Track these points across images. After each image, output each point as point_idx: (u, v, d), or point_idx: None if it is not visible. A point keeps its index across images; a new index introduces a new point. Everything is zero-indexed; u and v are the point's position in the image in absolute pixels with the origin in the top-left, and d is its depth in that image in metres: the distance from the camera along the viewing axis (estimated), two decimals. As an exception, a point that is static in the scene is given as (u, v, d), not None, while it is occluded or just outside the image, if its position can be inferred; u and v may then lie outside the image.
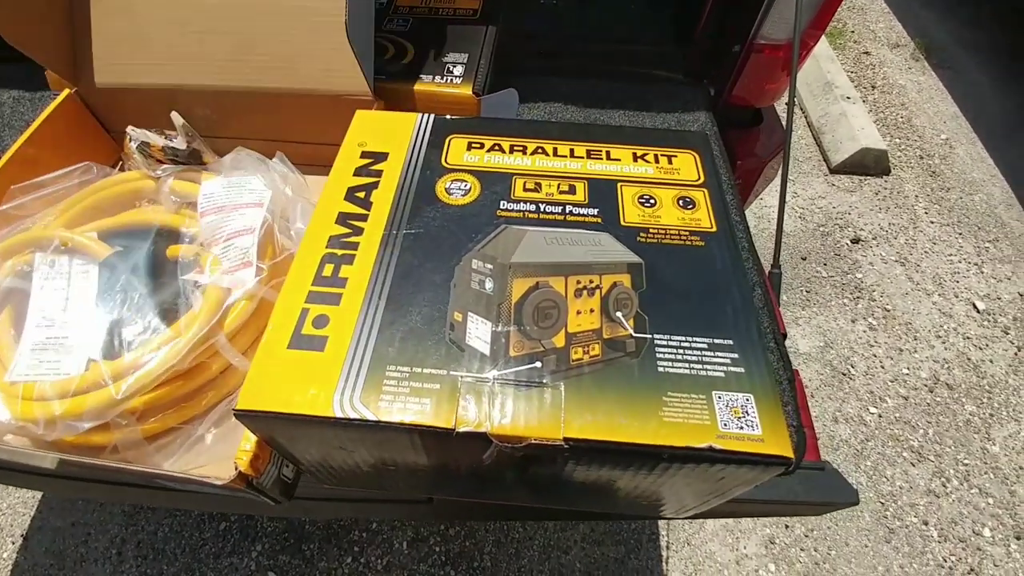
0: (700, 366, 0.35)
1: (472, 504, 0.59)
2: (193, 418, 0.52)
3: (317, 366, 0.34)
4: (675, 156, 0.48)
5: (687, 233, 0.42)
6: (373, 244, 0.40)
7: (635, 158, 0.47)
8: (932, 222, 1.98)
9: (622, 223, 0.42)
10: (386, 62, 0.73)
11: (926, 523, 1.44)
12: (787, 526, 1.44)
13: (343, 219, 0.42)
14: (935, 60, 2.50)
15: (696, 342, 0.36)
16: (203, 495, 0.68)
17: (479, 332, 0.35)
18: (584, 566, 1.38)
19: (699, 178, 0.46)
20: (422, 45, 0.74)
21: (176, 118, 0.59)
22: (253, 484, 0.41)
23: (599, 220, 0.42)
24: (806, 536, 1.43)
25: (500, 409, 0.32)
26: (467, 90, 0.68)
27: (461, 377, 0.33)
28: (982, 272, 1.86)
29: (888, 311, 1.78)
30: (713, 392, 0.33)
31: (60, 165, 0.65)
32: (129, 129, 0.59)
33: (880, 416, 1.59)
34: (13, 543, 1.42)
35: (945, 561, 1.38)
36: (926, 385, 1.65)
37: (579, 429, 0.31)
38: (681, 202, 0.44)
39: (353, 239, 0.41)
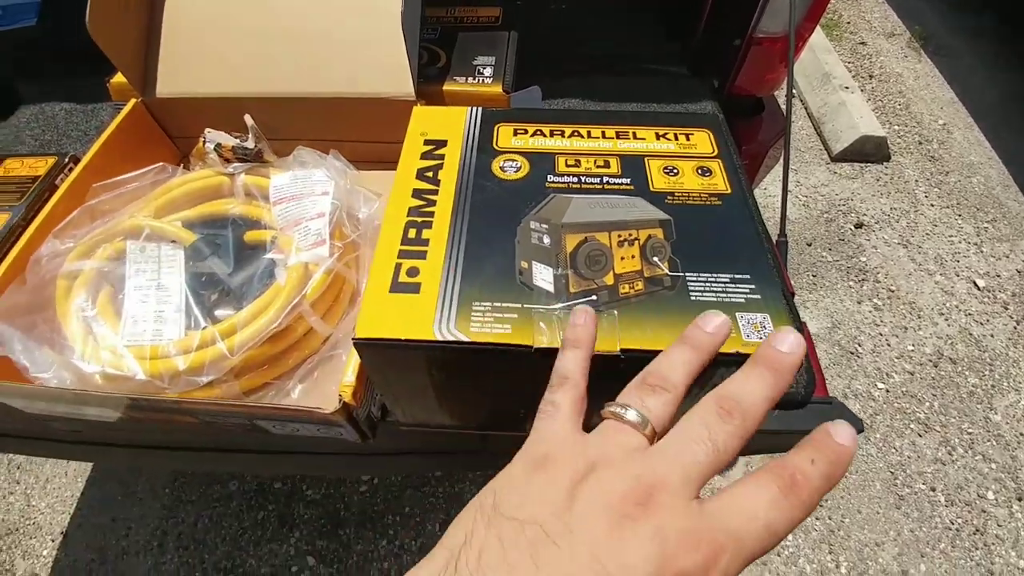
0: (724, 295, 0.44)
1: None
2: (281, 376, 0.62)
3: (415, 305, 0.43)
4: (692, 134, 0.57)
5: (706, 195, 0.51)
6: (446, 212, 0.50)
7: (657, 136, 0.57)
8: (932, 205, 2.07)
9: (651, 189, 0.52)
10: (422, 67, 0.82)
11: (934, 489, 1.53)
12: (802, 498, 1.52)
13: (417, 194, 0.51)
14: (930, 48, 2.60)
15: (720, 277, 0.45)
16: (280, 457, 0.77)
17: (543, 275, 0.45)
18: (608, 542, 1.46)
19: (713, 151, 0.56)
20: (452, 51, 0.83)
21: (248, 120, 0.68)
22: (352, 415, 0.50)
23: (632, 187, 0.52)
24: (820, 506, 1.51)
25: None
26: (497, 88, 0.78)
27: (533, 308, 0.43)
28: (981, 251, 1.95)
29: (892, 291, 1.87)
30: (736, 313, 0.43)
31: (128, 166, 0.74)
32: (207, 131, 0.69)
33: (888, 391, 1.68)
34: (53, 541, 1.50)
35: (952, 524, 1.47)
36: (930, 360, 1.74)
37: (632, 342, 0.41)
38: (700, 171, 0.53)
39: (428, 209, 0.50)
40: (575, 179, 0.53)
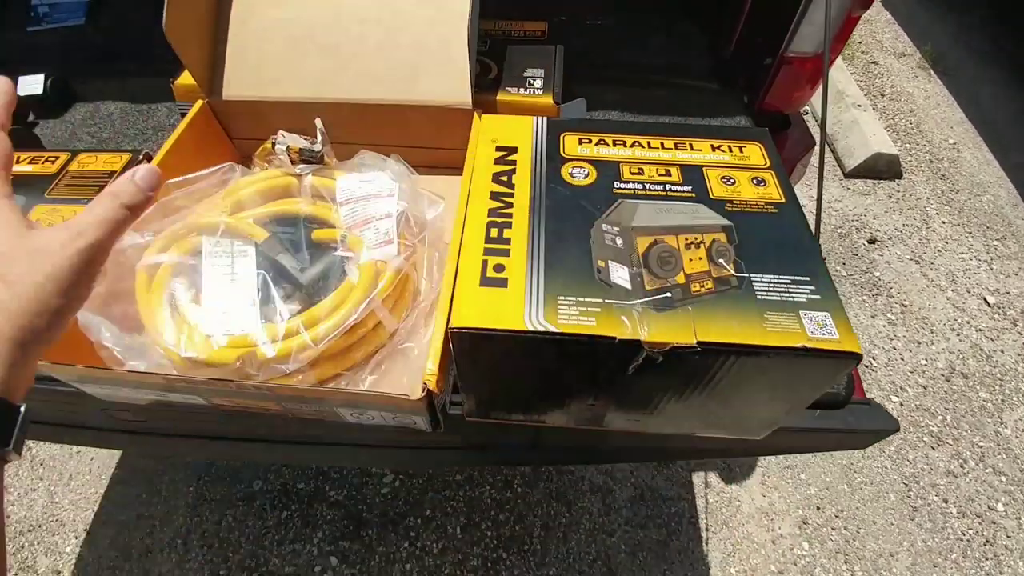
0: (787, 294, 0.48)
1: (573, 447, 0.72)
2: (351, 367, 0.65)
3: (505, 298, 0.47)
4: (744, 147, 0.62)
5: (763, 203, 0.56)
6: (523, 213, 0.54)
7: (713, 148, 0.61)
8: (943, 222, 2.13)
9: (711, 197, 0.56)
10: (476, 78, 0.87)
11: (946, 501, 1.56)
12: (818, 507, 1.56)
13: (495, 196, 0.56)
14: (940, 68, 2.67)
15: (781, 279, 0.49)
16: (350, 449, 0.80)
17: (619, 273, 0.49)
18: (629, 547, 1.49)
19: (766, 163, 0.60)
20: (503, 63, 0.88)
21: (319, 124, 0.72)
22: (433, 403, 0.54)
23: (693, 195, 0.56)
24: (836, 516, 1.55)
25: (647, 325, 0.45)
26: (548, 99, 0.82)
27: (615, 304, 0.47)
28: (991, 268, 2.00)
29: (905, 306, 1.91)
30: (799, 311, 0.47)
31: (195, 164, 0.78)
32: (280, 133, 0.73)
33: (901, 404, 1.72)
34: (76, 537, 1.52)
35: (963, 535, 1.51)
36: (943, 375, 1.78)
37: (707, 335, 0.45)
38: (755, 181, 0.58)
39: (506, 210, 0.54)
40: (640, 186, 0.57)
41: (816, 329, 0.46)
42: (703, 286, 0.49)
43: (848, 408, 0.67)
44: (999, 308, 1.91)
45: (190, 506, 1.55)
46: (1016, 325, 1.86)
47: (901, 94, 2.59)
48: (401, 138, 0.83)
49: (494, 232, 0.52)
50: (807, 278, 0.49)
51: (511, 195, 0.56)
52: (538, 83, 0.84)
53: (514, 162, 0.59)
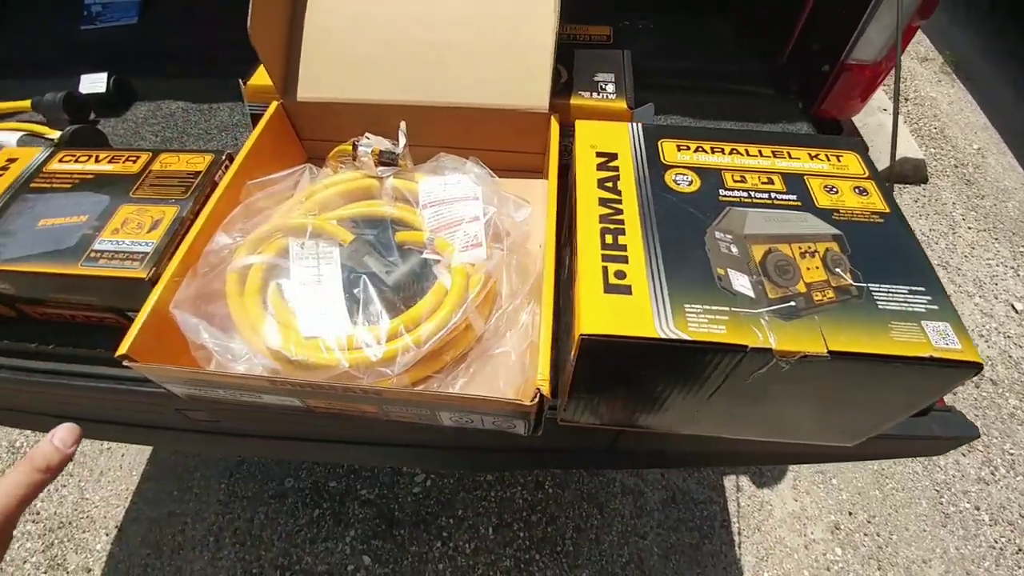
0: (907, 304, 0.49)
1: (652, 451, 0.73)
2: (440, 370, 0.66)
3: (631, 305, 0.48)
4: (841, 156, 0.63)
5: (868, 213, 0.57)
6: (634, 220, 0.55)
7: (810, 157, 0.62)
8: (969, 228, 2.14)
9: (816, 206, 0.57)
10: (548, 81, 0.88)
11: (978, 508, 1.58)
12: (850, 513, 1.58)
13: (604, 203, 0.57)
14: (963, 73, 2.69)
15: (899, 289, 0.50)
16: (445, 452, 0.81)
17: (740, 282, 0.50)
18: (661, 550, 1.50)
19: (865, 173, 0.61)
20: (573, 67, 0.89)
21: (402, 127, 0.73)
22: (543, 407, 0.55)
23: (799, 204, 0.57)
24: (868, 522, 1.57)
25: (775, 333, 0.46)
26: (622, 104, 0.83)
27: (741, 312, 0.48)
28: (1019, 275, 2.02)
29: (933, 312, 1.92)
30: (922, 321, 0.48)
31: (272, 165, 0.79)
32: (366, 135, 0.74)
33: (932, 410, 1.73)
34: (107, 535, 1.53)
35: (996, 542, 1.52)
36: (972, 381, 1.80)
37: (837, 345, 0.46)
38: (857, 190, 0.59)
39: (617, 217, 0.55)
40: (745, 194, 0.58)
41: (939, 339, 0.47)
42: (824, 295, 0.50)
43: (931, 415, 0.68)
44: (1027, 315, 1.93)
45: (222, 503, 1.56)
46: (1044, 332, 1.88)
47: (924, 99, 2.61)
48: (475, 141, 0.84)
49: (609, 239, 0.53)
50: (923, 288, 0.51)
51: (619, 201, 0.57)
52: (610, 87, 0.85)
53: (616, 168, 0.60)
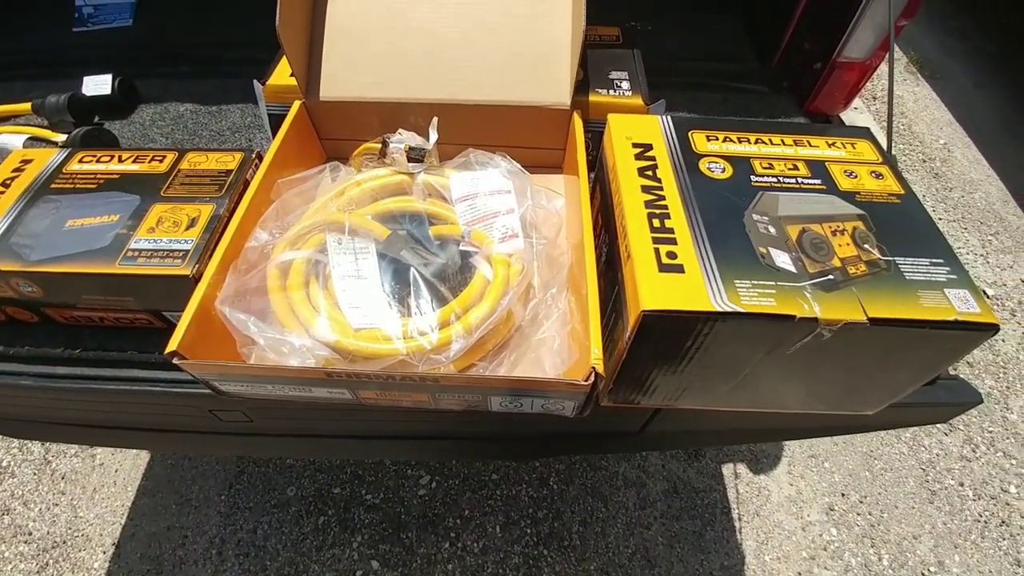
0: (931, 275, 0.55)
1: (681, 431, 0.77)
2: (483, 357, 0.70)
3: (685, 282, 0.52)
4: (855, 143, 0.69)
5: (887, 195, 0.62)
6: (677, 205, 0.59)
7: (828, 144, 0.68)
8: (939, 219, 2.27)
9: (839, 189, 0.63)
10: (563, 79, 0.92)
11: (961, 484, 1.68)
12: (843, 494, 1.66)
13: (646, 189, 0.61)
14: (927, 72, 2.84)
15: (921, 261, 0.56)
16: (485, 444, 0.84)
17: (782, 259, 0.55)
18: (666, 540, 1.55)
19: (879, 159, 0.67)
20: (588, 66, 0.93)
21: (435, 122, 0.76)
22: (596, 386, 0.58)
23: (824, 188, 0.63)
24: (860, 502, 1.65)
25: (819, 304, 0.51)
26: (638, 100, 0.88)
27: (786, 285, 0.52)
28: (988, 262, 2.14)
29: (910, 299, 2.03)
30: (944, 289, 0.53)
31: (292, 164, 0.81)
32: (399, 131, 0.77)
33: (914, 393, 1.82)
34: (104, 552, 1.51)
35: (980, 516, 1.62)
36: (951, 364, 1.89)
37: (876, 312, 0.51)
38: (873, 175, 0.65)
39: (661, 202, 0.60)
40: (774, 179, 0.63)
41: (961, 304, 0.52)
42: (858, 269, 0.55)
43: (937, 383, 0.74)
44: (997, 300, 2.05)
45: (223, 515, 1.55)
46: (1015, 315, 2.00)
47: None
48: (494, 138, 0.87)
49: (656, 222, 0.58)
50: (941, 260, 0.56)
51: (661, 188, 0.61)
52: (625, 85, 0.90)
53: (653, 158, 0.65)
